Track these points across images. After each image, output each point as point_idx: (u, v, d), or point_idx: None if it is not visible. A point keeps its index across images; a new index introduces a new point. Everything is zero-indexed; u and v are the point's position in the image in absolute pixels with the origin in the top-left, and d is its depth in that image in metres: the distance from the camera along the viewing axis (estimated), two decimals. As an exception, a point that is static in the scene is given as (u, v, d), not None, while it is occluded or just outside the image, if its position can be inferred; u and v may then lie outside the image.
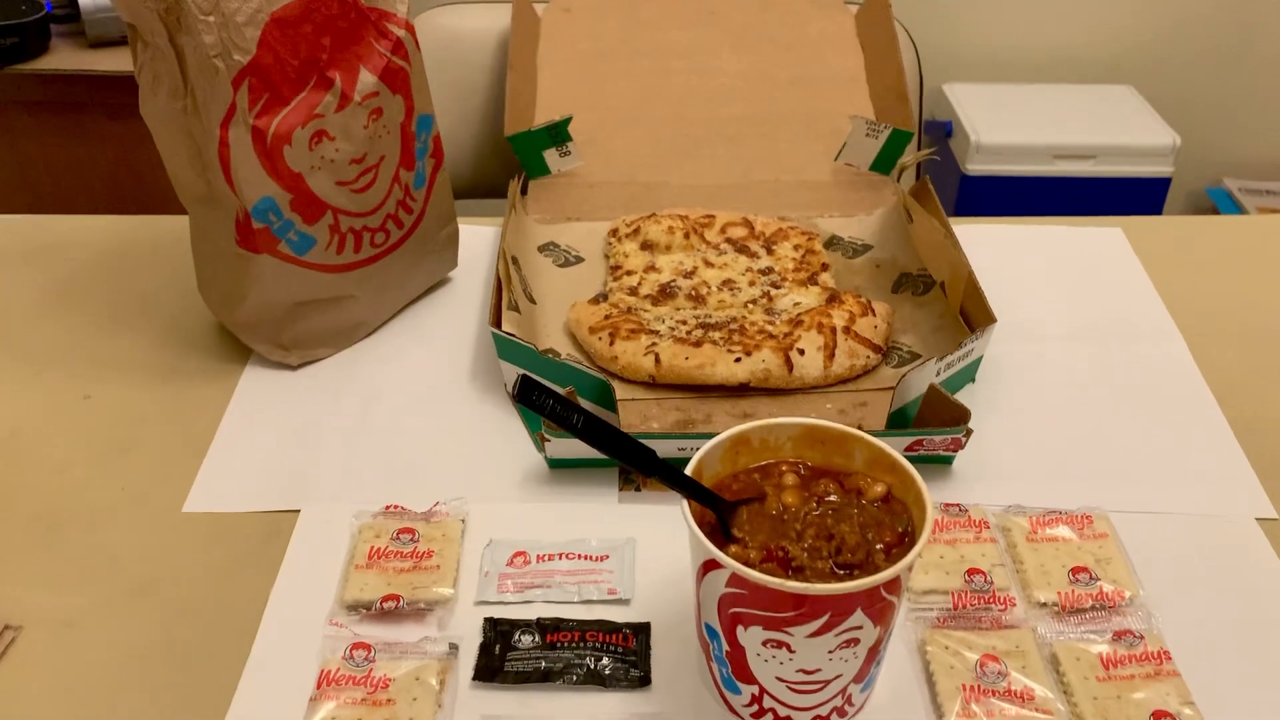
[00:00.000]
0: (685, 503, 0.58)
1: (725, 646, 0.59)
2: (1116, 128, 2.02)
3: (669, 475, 0.58)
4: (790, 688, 0.58)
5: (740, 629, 0.57)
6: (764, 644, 0.57)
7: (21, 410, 0.85)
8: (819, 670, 0.57)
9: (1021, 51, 2.22)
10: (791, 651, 0.56)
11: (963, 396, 0.86)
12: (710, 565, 0.56)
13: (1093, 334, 0.94)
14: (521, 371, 0.54)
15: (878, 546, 0.58)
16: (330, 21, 0.78)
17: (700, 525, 0.60)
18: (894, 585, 0.55)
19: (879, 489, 0.62)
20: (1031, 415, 0.85)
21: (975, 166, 2.00)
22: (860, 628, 0.56)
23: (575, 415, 0.55)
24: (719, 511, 0.60)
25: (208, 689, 0.63)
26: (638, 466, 0.58)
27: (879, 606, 0.56)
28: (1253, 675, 0.65)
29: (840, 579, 0.56)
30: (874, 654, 0.59)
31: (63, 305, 0.97)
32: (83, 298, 0.97)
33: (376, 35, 0.81)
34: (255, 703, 0.63)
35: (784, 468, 0.64)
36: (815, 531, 0.59)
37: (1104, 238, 1.08)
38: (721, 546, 0.57)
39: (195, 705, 0.62)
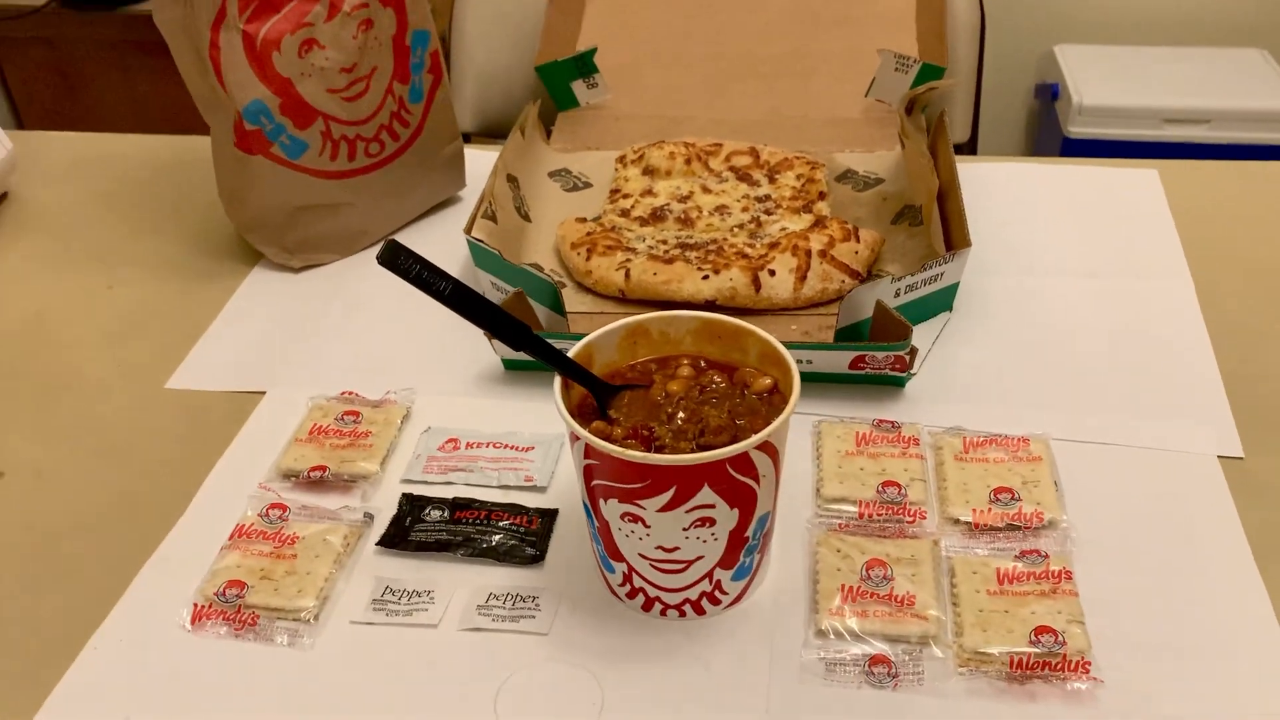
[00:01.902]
0: (556, 378, 0.59)
1: (596, 522, 0.60)
2: (1236, 91, 1.89)
3: (539, 349, 0.59)
4: (653, 565, 0.59)
5: (602, 502, 0.58)
6: (622, 517, 0.58)
7: (50, 295, 0.93)
8: (678, 549, 0.58)
9: (1147, 12, 2.11)
10: (647, 526, 0.57)
11: (935, 323, 0.85)
12: (574, 438, 0.58)
13: (1096, 271, 0.90)
14: (392, 238, 0.56)
15: (750, 433, 0.58)
16: (319, -67, 0.82)
17: (583, 407, 0.61)
18: (745, 466, 0.56)
19: (765, 382, 0.62)
20: (1007, 347, 0.82)
21: (1077, 129, 1.91)
22: (713, 506, 0.56)
23: (443, 283, 0.57)
24: (598, 394, 0.61)
25: (145, 535, 0.69)
26: (509, 340, 0.60)
27: (730, 486, 0.56)
28: (1157, 604, 0.62)
29: (698, 458, 0.57)
30: (739, 541, 0.59)
31: (105, 210, 1.05)
32: (123, 204, 1.06)
33: (366, -52, 0.85)
34: (177, 549, 0.68)
35: (683, 360, 0.64)
36: (686, 415, 0.60)
37: (1137, 179, 1.03)
38: (593, 424, 0.59)
39: (132, 547, 0.68)
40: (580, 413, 0.60)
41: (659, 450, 0.58)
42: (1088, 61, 2.01)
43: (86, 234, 1.02)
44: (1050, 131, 2.02)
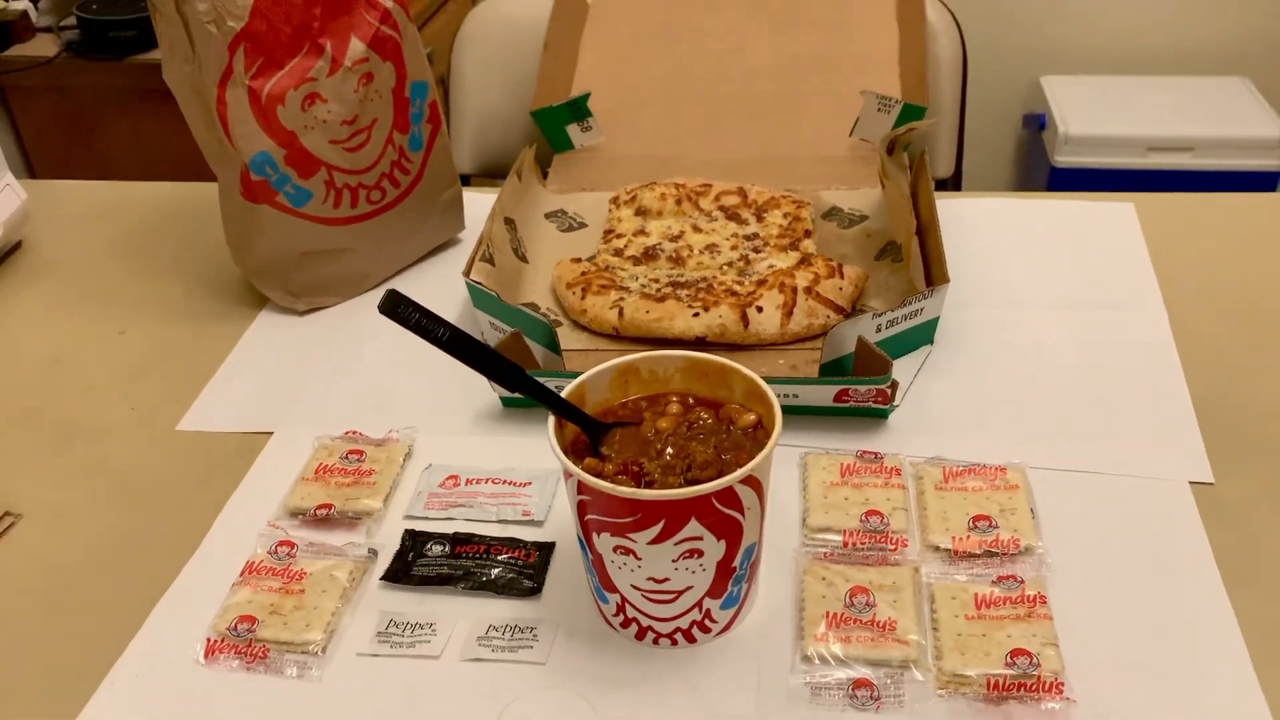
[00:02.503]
0: (550, 418, 0.62)
1: (590, 555, 0.63)
2: (1218, 120, 1.94)
3: (534, 390, 0.62)
4: (645, 596, 0.62)
5: (595, 536, 0.61)
6: (615, 550, 0.61)
7: (64, 341, 0.97)
8: (668, 579, 0.61)
9: (1132, 44, 2.15)
10: (638, 559, 0.60)
11: (916, 357, 0.88)
12: (567, 475, 0.61)
13: (1072, 304, 0.93)
14: (391, 288, 0.59)
15: (736, 468, 0.61)
16: (321, -7, 0.86)
17: (576, 444, 0.64)
18: (730, 500, 0.59)
19: (750, 418, 0.65)
20: (986, 379, 0.85)
21: (1064, 158, 1.95)
22: (700, 539, 0.59)
23: (441, 330, 0.60)
24: (590, 432, 0.64)
25: (159, 573, 0.72)
26: (503, 381, 0.63)
27: (717, 519, 0.59)
28: (1128, 627, 0.65)
29: (685, 493, 0.60)
30: (726, 571, 0.62)
31: (117, 256, 1.08)
32: (134, 251, 1.09)
33: (366, 6, 0.89)
34: (190, 586, 0.71)
35: (673, 398, 0.68)
36: (675, 451, 0.63)
37: (1113, 213, 1.06)
38: (585, 461, 0.62)
39: (146, 584, 0.71)
40: (574, 450, 0.63)
41: (648, 485, 0.61)
42: (1073, 92, 2.05)
43: (98, 280, 1.05)
44: (1038, 161, 2.06)
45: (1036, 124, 2.08)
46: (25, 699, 0.64)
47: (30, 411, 0.89)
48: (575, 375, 0.76)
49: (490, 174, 1.45)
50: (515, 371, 0.62)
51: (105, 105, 1.76)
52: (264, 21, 0.84)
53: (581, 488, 0.59)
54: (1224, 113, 1.97)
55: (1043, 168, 2.01)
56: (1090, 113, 1.97)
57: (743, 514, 0.60)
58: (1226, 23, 2.10)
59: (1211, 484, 0.74)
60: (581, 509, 0.61)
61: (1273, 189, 1.93)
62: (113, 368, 0.93)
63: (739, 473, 0.58)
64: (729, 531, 0.60)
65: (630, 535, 0.59)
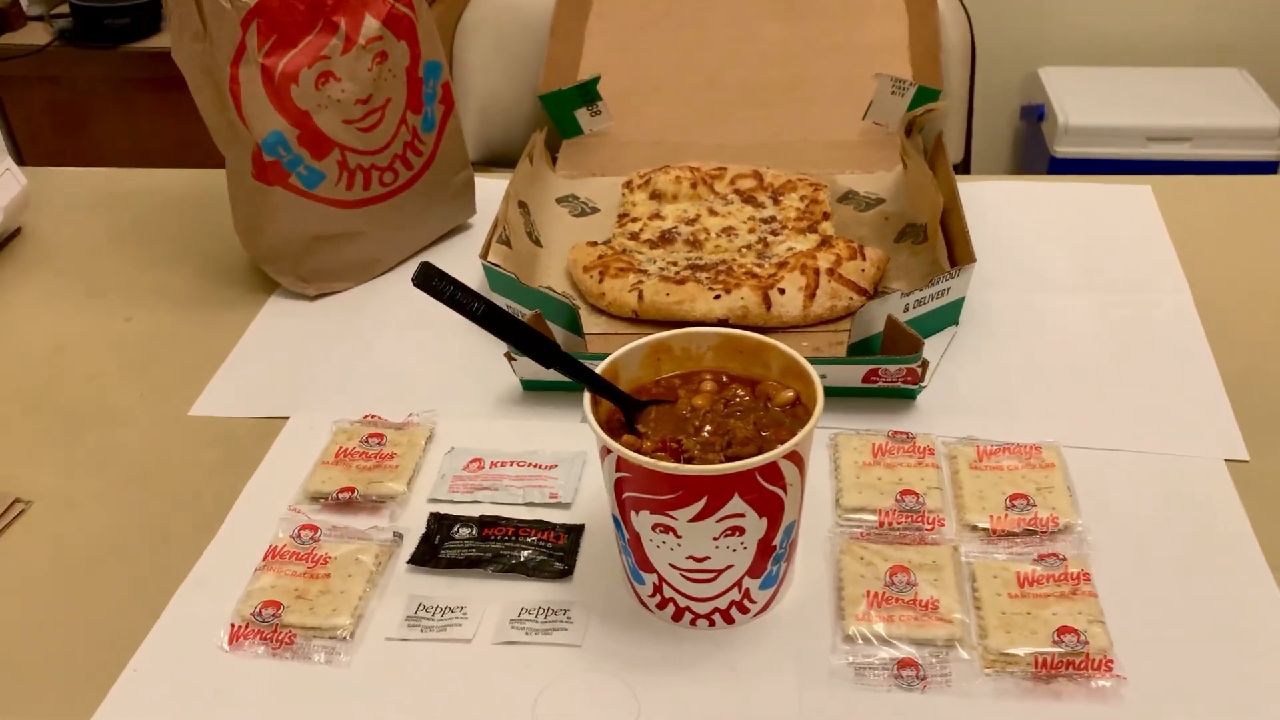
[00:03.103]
0: (586, 394, 0.61)
1: (626, 535, 0.62)
2: (1217, 110, 1.94)
3: (568, 366, 0.61)
4: (684, 575, 0.61)
5: (633, 514, 0.60)
6: (654, 529, 0.59)
7: (69, 329, 0.95)
8: (708, 558, 0.60)
9: (1129, 35, 2.15)
10: (678, 537, 0.59)
11: (943, 338, 0.87)
12: (605, 452, 0.59)
13: (1096, 286, 0.93)
14: (425, 260, 0.58)
15: (775, 444, 0.60)
16: (335, -31, 0.84)
17: (610, 422, 0.63)
18: (773, 475, 0.57)
19: (788, 395, 0.63)
20: (1012, 359, 0.84)
21: (1064, 149, 1.95)
22: (743, 516, 0.58)
23: (476, 304, 0.59)
24: (626, 409, 0.63)
25: (177, 560, 0.70)
26: (538, 357, 0.61)
27: (759, 495, 0.57)
28: (1173, 604, 0.64)
29: (726, 469, 0.58)
30: (767, 549, 0.60)
31: (120, 244, 1.06)
32: (138, 238, 1.07)
33: (380, -17, 0.87)
34: (211, 572, 0.69)
35: (706, 376, 0.66)
36: (713, 428, 0.61)
37: (1131, 195, 1.05)
38: (623, 438, 0.60)
39: (164, 570, 0.69)
40: (608, 428, 0.62)
41: (688, 462, 0.59)
42: (1072, 83, 2.05)
43: (101, 268, 1.03)
44: (1037, 151, 2.06)
45: (1035, 115, 2.07)
46: (48, 686, 0.63)
47: (37, 399, 0.87)
48: (600, 356, 0.75)
49: (494, 162, 1.43)
50: (551, 347, 0.61)
51: (99, 95, 1.73)
52: (277, -2, 0.82)
53: (621, 464, 0.58)
54: (1222, 103, 1.97)
55: (1042, 158, 2.01)
56: (1089, 104, 1.97)
57: (785, 490, 0.59)
58: (1222, 14, 2.10)
59: (1247, 461, 0.74)
60: (619, 487, 0.60)
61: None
62: (120, 355, 0.91)
63: (785, 446, 0.56)
64: (771, 508, 0.59)
65: (671, 513, 0.58)
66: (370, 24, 0.87)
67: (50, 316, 0.97)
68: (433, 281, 0.58)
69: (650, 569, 0.62)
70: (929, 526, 0.68)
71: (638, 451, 0.58)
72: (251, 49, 0.83)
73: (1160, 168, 1.94)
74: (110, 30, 1.64)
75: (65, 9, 1.75)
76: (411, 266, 1.02)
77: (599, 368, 0.63)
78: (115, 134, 1.75)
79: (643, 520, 0.59)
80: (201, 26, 0.83)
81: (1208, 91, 2.01)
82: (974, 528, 0.69)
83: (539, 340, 0.61)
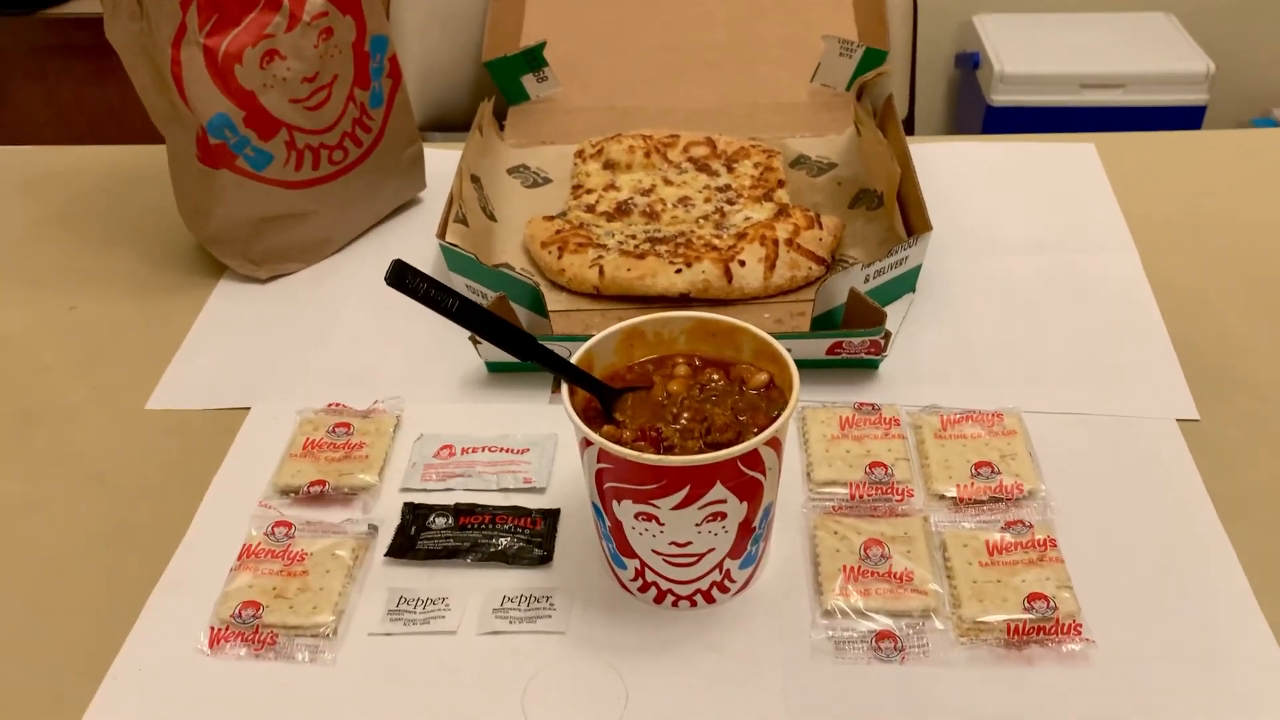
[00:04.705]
0: (565, 386, 0.61)
1: (608, 522, 0.62)
2: (1146, 56, 1.97)
3: (546, 359, 0.61)
4: (666, 560, 0.61)
5: (615, 503, 0.60)
6: (636, 517, 0.60)
7: (12, 320, 0.92)
8: (690, 543, 0.60)
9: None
10: (661, 524, 0.59)
11: (901, 305, 0.88)
12: (586, 443, 0.59)
13: (1046, 247, 0.94)
14: (397, 258, 0.57)
15: (753, 429, 0.61)
16: (276, -56, 0.82)
17: (587, 410, 0.63)
18: (754, 461, 0.58)
19: (761, 377, 0.64)
20: (968, 324, 0.86)
21: (1000, 97, 1.97)
22: (724, 501, 0.59)
23: (450, 300, 0.58)
24: (602, 398, 0.63)
25: (147, 562, 0.69)
26: (515, 351, 0.61)
27: (740, 481, 0.58)
28: (1135, 565, 0.66)
29: (706, 456, 0.59)
30: (747, 531, 0.61)
31: (57, 227, 1.03)
32: (75, 221, 1.04)
33: (323, -43, 0.85)
34: (185, 573, 0.68)
35: (679, 360, 0.66)
36: (691, 414, 0.62)
37: (1075, 154, 1.07)
38: (602, 428, 0.61)
39: (133, 576, 0.68)
40: (585, 416, 0.62)
41: (668, 450, 0.60)
42: (1006, 30, 2.07)
43: (39, 254, 1.00)
44: (973, 99, 2.08)
45: (970, 63, 2.09)
46: (29, 697, 0.61)
47: (-17, 396, 0.84)
48: (569, 338, 0.75)
49: (437, 127, 1.41)
50: (527, 340, 0.61)
51: (14, 63, 1.66)
52: (217, -25, 0.79)
53: (602, 456, 0.58)
54: (1151, 49, 2.01)
55: (978, 106, 2.03)
56: (1023, 51, 1.99)
57: (764, 474, 0.59)
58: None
59: (1197, 420, 0.76)
60: (600, 477, 0.60)
61: (1199, 123, 1.98)
62: (67, 347, 0.89)
63: (766, 434, 0.57)
64: (751, 492, 0.59)
65: (654, 501, 0.58)
66: (315, 0, 0.85)
67: (-11, 308, 0.94)
68: (406, 280, 0.57)
69: (632, 555, 0.62)
70: (898, 498, 0.70)
71: (617, 441, 0.59)
72: (192, 29, 0.80)
73: (1094, 114, 1.99)
74: (25, -5, 1.58)
75: (-26, -27, 1.67)
76: (363, 243, 1.02)
77: (574, 357, 0.63)
78: (34, 105, 1.68)
79: (625, 509, 0.60)
80: (138, 6, 0.80)
81: (1137, 37, 2.04)
82: (941, 496, 0.70)
83: (515, 334, 0.61)
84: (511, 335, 0.60)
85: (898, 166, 0.89)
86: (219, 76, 0.82)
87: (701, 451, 0.59)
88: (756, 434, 0.60)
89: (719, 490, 0.58)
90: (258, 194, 0.89)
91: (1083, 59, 1.98)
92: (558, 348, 0.76)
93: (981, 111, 2.01)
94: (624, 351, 0.66)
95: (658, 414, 0.62)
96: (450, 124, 1.43)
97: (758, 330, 0.64)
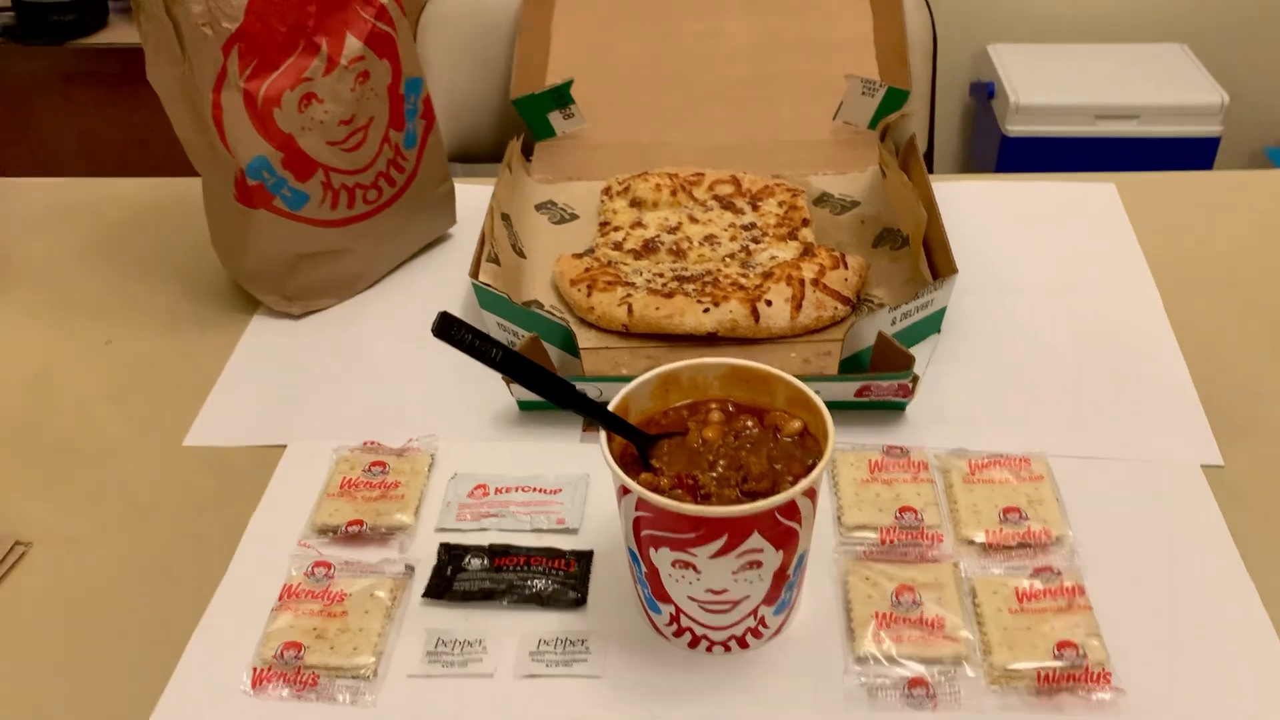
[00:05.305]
0: (603, 434, 0.62)
1: (644, 568, 0.63)
2: (1161, 87, 1.99)
3: (585, 407, 0.62)
4: (702, 606, 0.62)
5: (652, 550, 0.61)
6: (673, 564, 0.61)
7: (51, 353, 0.93)
8: (726, 590, 0.61)
9: (1073, 11, 2.19)
10: (698, 572, 0.60)
11: (926, 346, 0.89)
12: (624, 491, 0.61)
13: (1068, 288, 0.95)
14: (443, 310, 0.59)
15: (788, 478, 0.62)
16: (315, -10, 0.83)
17: (624, 456, 0.64)
18: (791, 511, 0.59)
19: (795, 425, 0.65)
20: (993, 365, 0.87)
21: (1015, 127, 1.98)
22: (760, 550, 0.60)
23: (494, 350, 0.60)
24: (638, 444, 0.64)
25: (188, 601, 0.70)
26: (555, 399, 0.62)
27: (776, 531, 0.59)
28: (1161, 612, 0.67)
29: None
30: (781, 578, 0.62)
31: (94, 259, 1.05)
32: (112, 253, 1.05)
33: (361, 3, 0.87)
34: (226, 613, 0.69)
35: (712, 405, 0.68)
36: (727, 462, 0.63)
37: (1096, 194, 1.08)
38: (639, 476, 0.62)
39: (175, 615, 0.69)
40: (621, 462, 0.63)
41: (704, 498, 0.61)
42: (1021, 60, 2.08)
43: (77, 286, 1.01)
44: (988, 129, 2.09)
45: (985, 92, 2.10)
46: (69, 740, 0.63)
47: (23, 431, 0.85)
48: (597, 379, 0.76)
49: (461, 158, 1.43)
50: (566, 389, 0.62)
51: (43, 92, 1.68)
52: (259, 21, 0.81)
53: (640, 504, 0.59)
54: (1166, 80, 2.02)
55: (993, 136, 2.04)
56: (1039, 82, 2.01)
57: (800, 523, 0.61)
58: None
59: (1221, 466, 0.77)
60: (637, 525, 0.61)
61: (1213, 154, 1.99)
62: (104, 381, 0.90)
63: (802, 485, 0.58)
64: (786, 541, 0.61)
65: (691, 550, 0.59)
66: (352, 44, 0.86)
67: (28, 341, 0.95)
68: (452, 331, 0.58)
69: (668, 600, 0.63)
70: (928, 543, 0.71)
71: (655, 489, 0.60)
72: (233, 74, 0.82)
73: (1109, 145, 2.00)
74: (56, 26, 1.59)
75: (7, 3, 1.69)
76: (394, 279, 1.04)
77: (611, 404, 0.64)
78: (60, 132, 1.70)
79: (662, 556, 0.61)
80: (180, 51, 0.82)
81: (1152, 68, 2.05)
82: (971, 542, 0.71)
83: (555, 382, 0.62)
84: (551, 383, 0.62)
85: (924, 211, 0.90)
86: (258, 120, 0.84)
87: (738, 500, 0.61)
88: (792, 483, 0.61)
89: (756, 539, 0.59)
90: (293, 232, 0.90)
91: (1098, 90, 1.99)
92: (589, 387, 0.77)
93: (997, 141, 2.03)
94: (659, 396, 0.67)
95: (694, 461, 0.64)
96: (475, 155, 1.45)
97: (791, 378, 0.66)
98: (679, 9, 1.32)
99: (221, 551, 0.73)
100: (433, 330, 0.59)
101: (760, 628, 0.64)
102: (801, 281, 0.91)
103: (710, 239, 1.00)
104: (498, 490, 0.76)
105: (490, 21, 1.41)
